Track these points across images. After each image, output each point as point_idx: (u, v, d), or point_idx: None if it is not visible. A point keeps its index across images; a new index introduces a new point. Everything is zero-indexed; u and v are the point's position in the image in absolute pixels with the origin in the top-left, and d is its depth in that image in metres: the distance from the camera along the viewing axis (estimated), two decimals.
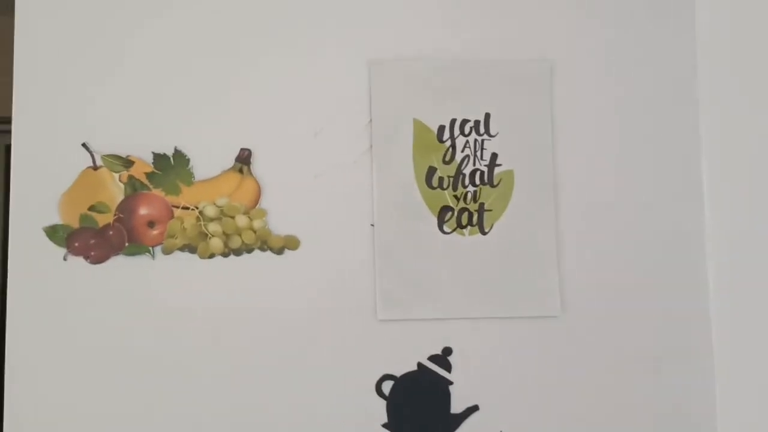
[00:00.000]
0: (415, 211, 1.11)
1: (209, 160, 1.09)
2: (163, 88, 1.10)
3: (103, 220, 1.07)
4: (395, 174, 1.11)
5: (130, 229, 1.07)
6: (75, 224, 1.07)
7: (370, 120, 1.11)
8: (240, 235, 1.08)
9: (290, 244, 1.09)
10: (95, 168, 1.08)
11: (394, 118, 1.12)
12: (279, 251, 1.09)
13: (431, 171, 1.12)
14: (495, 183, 1.12)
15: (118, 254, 1.07)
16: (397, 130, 1.11)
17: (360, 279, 1.10)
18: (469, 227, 1.11)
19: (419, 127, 1.12)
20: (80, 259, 1.06)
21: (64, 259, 1.06)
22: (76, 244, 1.06)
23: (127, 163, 1.08)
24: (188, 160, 1.09)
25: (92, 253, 1.06)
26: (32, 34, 1.09)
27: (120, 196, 1.08)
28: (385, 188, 1.11)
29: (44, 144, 1.08)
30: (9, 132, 1.08)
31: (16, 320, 1.05)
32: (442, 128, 1.12)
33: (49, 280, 1.06)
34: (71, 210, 1.07)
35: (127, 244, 1.07)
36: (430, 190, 1.11)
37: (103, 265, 1.07)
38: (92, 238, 1.06)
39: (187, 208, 1.08)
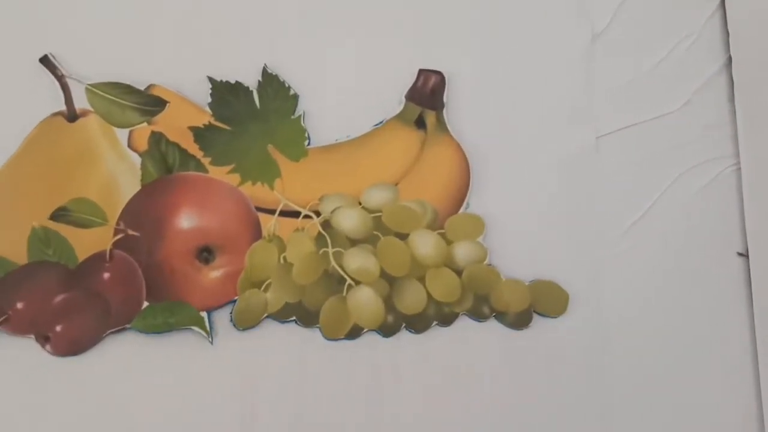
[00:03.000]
0: None
1: (344, 99, 0.45)
2: None
3: (86, 243, 0.43)
4: None
5: (156, 264, 0.43)
6: (16, 256, 0.43)
7: (729, 58, 0.47)
8: (423, 281, 0.43)
9: (544, 302, 0.44)
10: (72, 117, 0.44)
11: None
12: (519, 320, 0.44)
13: None
14: None
15: (124, 329, 0.42)
16: None
17: (725, 386, 0.44)
18: None
19: None
20: (31, 344, 0.42)
21: None
22: (20, 306, 0.42)
23: (149, 102, 0.44)
24: (295, 96, 0.45)
25: (58, 328, 0.42)
26: None
27: (131, 186, 0.44)
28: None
29: None
30: None
31: None
32: None
33: None
34: (9, 220, 0.43)
35: (146, 305, 0.43)
36: None
37: (85, 356, 0.42)
38: (59, 289, 0.42)
39: (296, 215, 0.44)
